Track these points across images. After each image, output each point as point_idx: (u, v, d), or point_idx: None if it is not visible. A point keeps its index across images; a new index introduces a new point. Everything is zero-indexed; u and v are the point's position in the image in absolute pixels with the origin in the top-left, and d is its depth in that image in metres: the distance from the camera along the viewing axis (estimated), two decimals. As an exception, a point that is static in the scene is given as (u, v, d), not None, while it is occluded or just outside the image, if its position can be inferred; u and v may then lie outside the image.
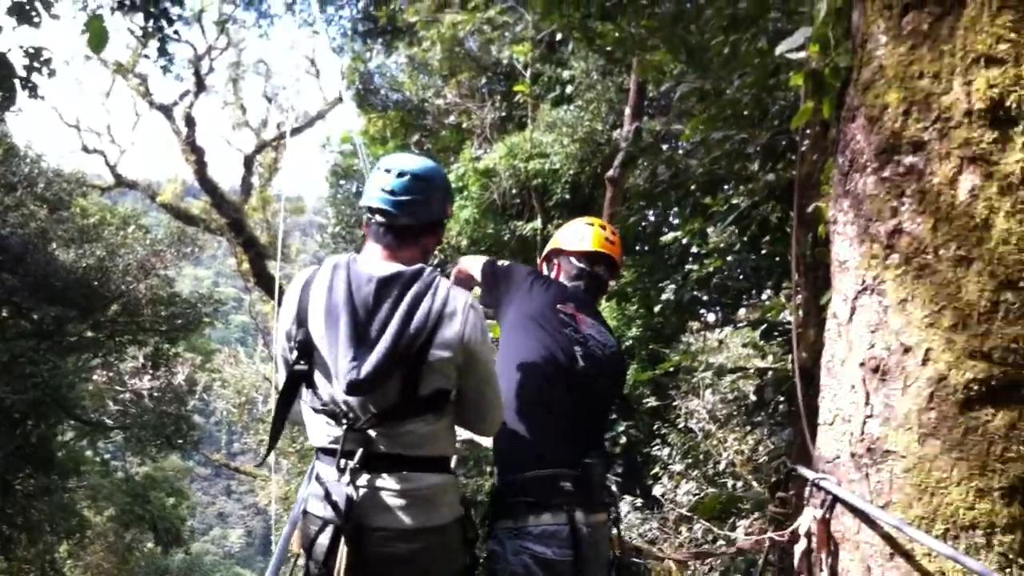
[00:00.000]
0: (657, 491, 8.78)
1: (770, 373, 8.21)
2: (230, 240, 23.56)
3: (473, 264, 4.11)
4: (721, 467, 8.55)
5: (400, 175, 3.26)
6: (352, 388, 2.97)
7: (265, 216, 23.60)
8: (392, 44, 15.26)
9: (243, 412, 26.48)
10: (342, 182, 15.05)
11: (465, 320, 3.12)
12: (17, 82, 6.24)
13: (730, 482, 8.50)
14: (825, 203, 3.95)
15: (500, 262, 4.00)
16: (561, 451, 3.56)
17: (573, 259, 4.04)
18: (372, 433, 3.06)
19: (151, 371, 23.53)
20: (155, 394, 23.42)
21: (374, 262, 3.23)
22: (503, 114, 12.77)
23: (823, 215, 4.05)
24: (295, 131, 23.85)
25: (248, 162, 24.40)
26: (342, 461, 3.05)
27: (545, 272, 4.14)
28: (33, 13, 5.92)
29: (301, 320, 3.16)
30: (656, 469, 9.12)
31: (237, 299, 41.26)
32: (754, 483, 8.26)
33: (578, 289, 3.99)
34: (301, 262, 19.74)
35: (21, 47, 6.22)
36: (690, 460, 8.87)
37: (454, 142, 13.19)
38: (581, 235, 4.08)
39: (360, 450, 3.06)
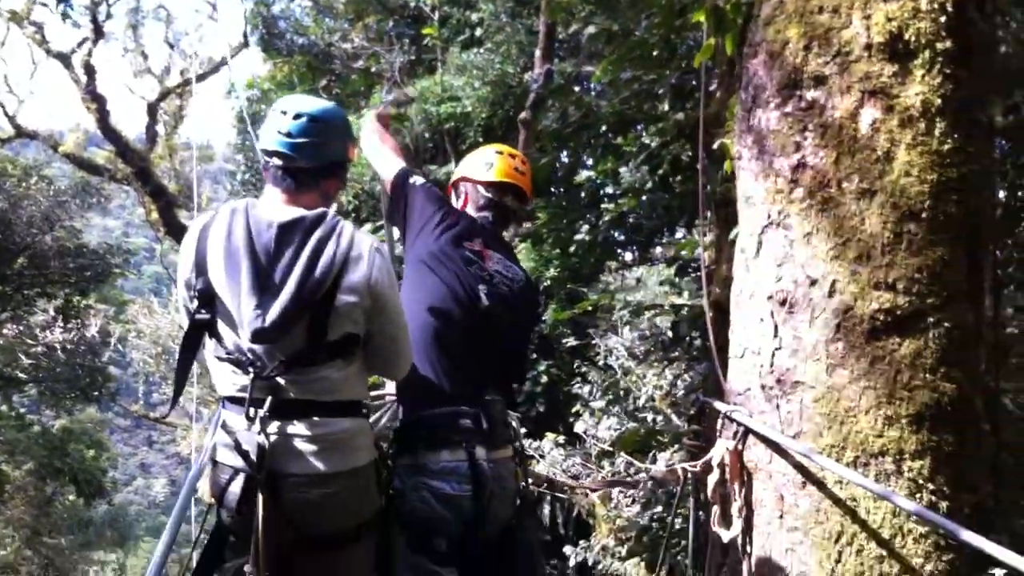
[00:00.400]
0: (579, 428, 8.85)
1: (685, 309, 8.30)
2: (137, 189, 23.02)
3: (388, 157, 3.98)
4: (641, 402, 8.61)
5: (297, 116, 3.17)
6: (257, 336, 2.92)
7: (173, 164, 23.11)
8: (296, -13, 15.04)
9: (160, 362, 26.12)
10: (251, 128, 14.80)
11: (371, 263, 3.07)
12: None
13: (650, 416, 8.58)
14: (730, 140, 3.98)
15: (413, 179, 3.81)
16: (461, 389, 3.52)
17: (481, 188, 3.92)
18: (281, 380, 3.01)
19: (62, 324, 22.99)
20: (68, 347, 22.90)
21: (274, 207, 3.15)
22: (412, 58, 12.64)
23: (729, 152, 4.07)
24: (199, 77, 23.38)
25: (152, 110, 23.80)
26: (251, 410, 2.99)
27: (453, 200, 4.02)
28: None
29: (200, 268, 3.08)
30: (577, 407, 9.19)
31: (148, 249, 40.51)
32: (673, 417, 8.34)
33: (486, 220, 3.89)
34: (213, 209, 19.43)
35: None
36: (610, 397, 8.94)
37: (363, 87, 13.04)
38: (489, 163, 3.96)
39: (269, 398, 3.00)
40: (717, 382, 3.53)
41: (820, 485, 2.73)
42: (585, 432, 8.75)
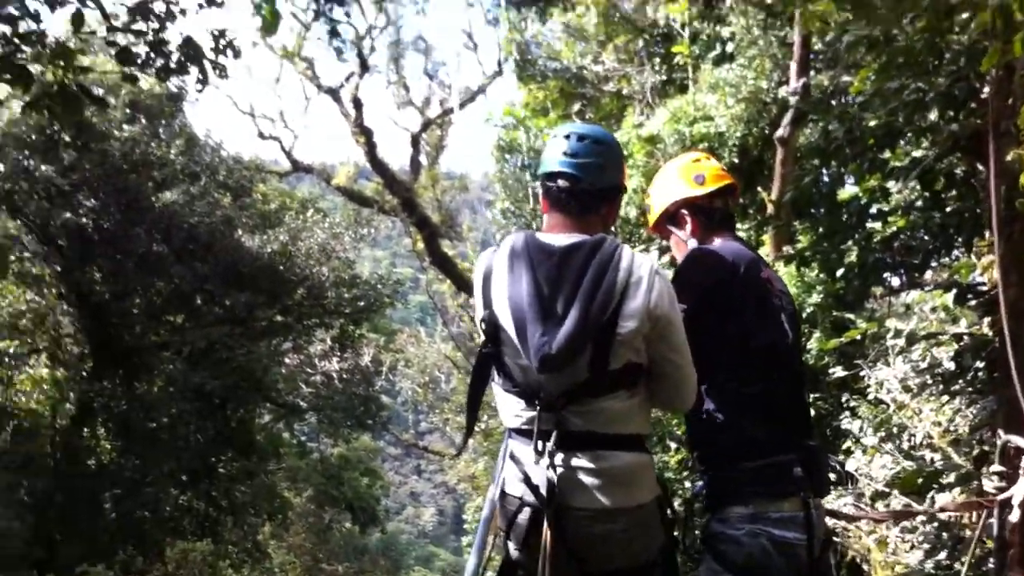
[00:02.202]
0: (850, 466, 8.40)
1: (967, 338, 7.67)
2: (403, 220, 23.86)
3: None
4: (917, 440, 8.09)
5: (580, 139, 3.23)
6: (544, 364, 2.90)
7: (435, 194, 23.75)
8: (546, 11, 15.00)
9: (427, 391, 26.85)
10: (507, 156, 14.90)
11: (650, 287, 3.00)
12: (207, 63, 6.35)
13: (927, 455, 8.03)
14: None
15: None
16: (782, 435, 3.38)
17: (703, 204, 3.71)
18: (566, 412, 3.00)
19: (339, 353, 24.09)
20: (344, 376, 24.04)
21: (556, 234, 3.16)
22: (663, 77, 12.37)
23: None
24: (459, 107, 23.91)
25: (415, 141, 24.59)
26: (539, 443, 3.01)
27: (674, 232, 3.79)
28: None
29: (486, 301, 3.15)
30: (847, 443, 8.71)
31: (414, 279, 41.89)
32: (954, 455, 7.75)
33: (731, 237, 3.68)
34: (473, 239, 19.82)
35: (207, 30, 6.33)
36: (883, 433, 8.41)
37: (615, 109, 12.87)
38: (696, 175, 3.74)
39: (555, 431, 3.00)
40: (1010, 416, 3.18)
41: None
42: (857, 471, 8.25)
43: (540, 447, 3.02)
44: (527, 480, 3.04)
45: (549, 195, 3.27)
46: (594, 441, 3.03)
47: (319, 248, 21.19)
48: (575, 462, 3.01)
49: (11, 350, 18.68)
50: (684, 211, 3.74)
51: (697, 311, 3.33)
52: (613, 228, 3.64)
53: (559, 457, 3.00)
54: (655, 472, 3.24)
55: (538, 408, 3.03)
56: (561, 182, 3.20)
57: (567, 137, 3.25)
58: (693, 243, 3.67)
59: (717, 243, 3.62)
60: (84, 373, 19.14)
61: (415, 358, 27.42)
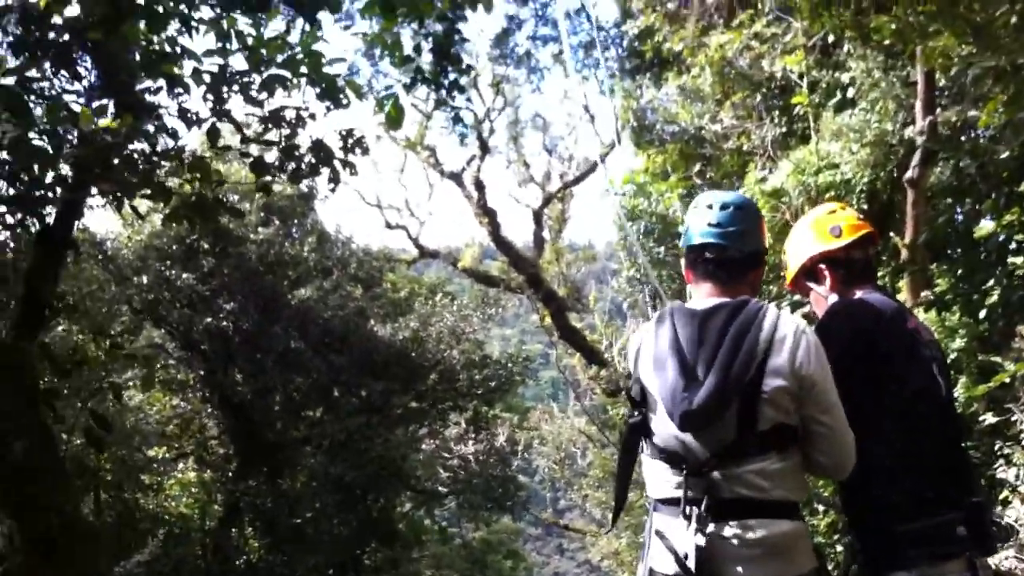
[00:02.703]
0: (1009, 517, 8.07)
1: None
2: (530, 297, 24.02)
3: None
4: (1078, 486, 7.74)
5: (723, 207, 3.28)
6: (685, 420, 2.92)
7: (560, 268, 23.91)
8: (661, 76, 15.10)
9: (563, 468, 26.69)
10: (630, 223, 14.93)
11: (796, 345, 2.98)
12: (337, 163, 6.56)
13: (1090, 501, 7.67)
14: None
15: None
16: (947, 491, 3.26)
17: (844, 256, 3.66)
18: (714, 476, 2.96)
19: (473, 435, 24.19)
20: (480, 457, 24.04)
21: (701, 300, 3.22)
22: (783, 130, 12.27)
23: None
24: (577, 179, 24.11)
25: (537, 217, 24.81)
26: (687, 508, 2.96)
27: (813, 288, 3.76)
28: (342, 96, 6.20)
29: (634, 372, 3.21)
30: (1004, 493, 8.37)
31: (543, 354, 41.95)
32: (1124, 502, 7.40)
33: (875, 290, 3.62)
34: (600, 310, 19.82)
35: (335, 131, 6.56)
36: (1038, 482, 8.08)
37: (736, 166, 12.80)
38: (833, 227, 3.69)
39: (704, 497, 2.95)
40: None
41: None
42: (1016, 521, 7.91)
43: (688, 512, 2.96)
44: (674, 553, 2.97)
45: (695, 266, 3.32)
46: (746, 509, 2.97)
47: (449, 331, 21.45)
48: (727, 532, 2.95)
49: (160, 456, 19.17)
50: (822, 265, 3.72)
51: (844, 364, 3.24)
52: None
53: (710, 526, 2.94)
54: (809, 539, 3.16)
55: (685, 473, 3.01)
56: (708, 253, 3.26)
57: (709, 207, 3.31)
58: (834, 297, 3.63)
59: (858, 295, 3.58)
60: (230, 473, 19.54)
61: (549, 435, 27.32)
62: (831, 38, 10.66)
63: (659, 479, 3.12)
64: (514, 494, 23.79)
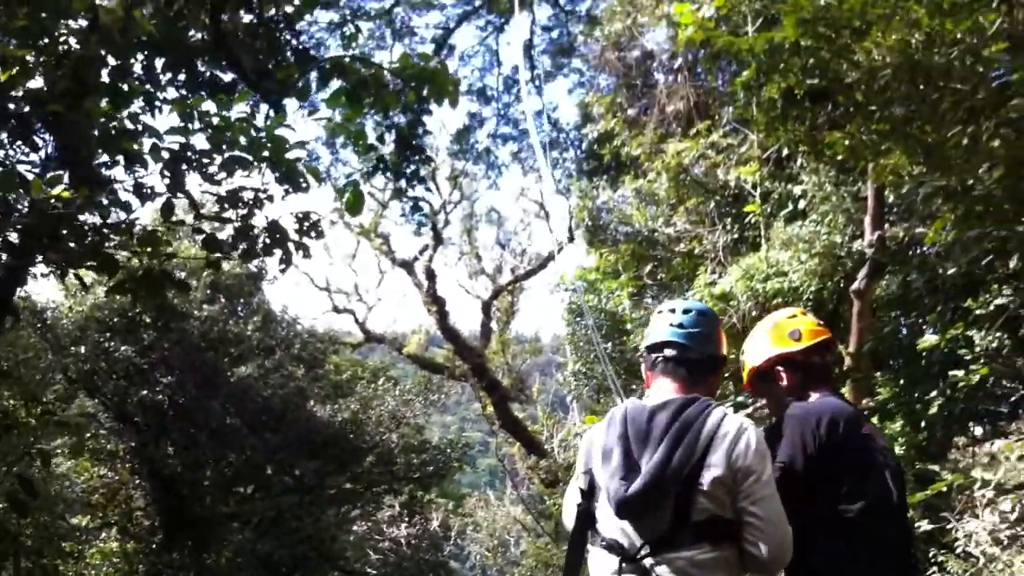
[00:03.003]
0: (943, 623, 8.08)
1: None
2: (473, 385, 24.11)
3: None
4: (1011, 593, 7.78)
5: (686, 311, 3.45)
6: (622, 507, 3.01)
7: (505, 359, 24.03)
8: (617, 179, 15.33)
9: (496, 555, 26.50)
10: (579, 320, 15.02)
11: (736, 440, 3.05)
12: (291, 245, 6.49)
13: (1023, 609, 7.71)
14: None
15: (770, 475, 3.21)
16: None
17: (802, 360, 3.68)
18: (647, 563, 3.00)
19: (407, 519, 24.03)
20: (412, 541, 23.92)
21: (655, 397, 3.31)
22: (735, 236, 12.48)
23: None
24: (529, 273, 24.32)
25: (486, 308, 25.00)
26: None
27: (769, 389, 3.79)
28: (301, 181, 6.16)
29: (587, 463, 3.32)
30: (937, 601, 8.39)
31: (483, 442, 41.71)
32: (1053, 609, 7.44)
33: (831, 393, 3.64)
34: (542, 401, 19.91)
35: (291, 213, 6.48)
36: (974, 588, 8.11)
37: (687, 269, 12.96)
38: (793, 331, 3.72)
39: None
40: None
41: None
42: (950, 630, 7.93)
43: None
44: None
45: (655, 365, 3.41)
46: None
47: (389, 415, 21.38)
48: None
49: (83, 525, 18.71)
50: (780, 368, 3.72)
51: (797, 469, 3.30)
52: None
53: None
54: None
55: (620, 560, 3.06)
56: (668, 351, 3.38)
57: (672, 311, 3.47)
58: (787, 400, 3.63)
59: (814, 398, 3.58)
60: (154, 545, 19.04)
61: (484, 521, 27.24)
62: (785, 151, 10.88)
63: (599, 567, 3.17)
64: (444, 578, 23.45)
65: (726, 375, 10.67)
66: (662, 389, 3.33)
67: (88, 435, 17.34)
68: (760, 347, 3.82)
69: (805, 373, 3.68)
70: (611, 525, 3.13)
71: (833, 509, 3.31)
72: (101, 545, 19.30)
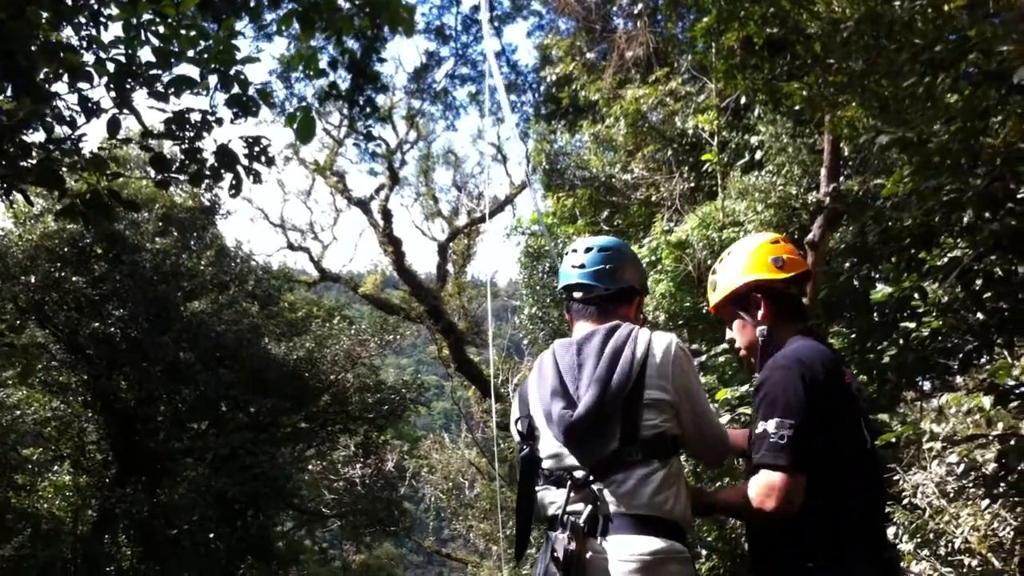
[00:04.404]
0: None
1: (1014, 440, 7.53)
2: (429, 327, 24.04)
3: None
4: (956, 545, 7.87)
5: (587, 250, 3.50)
6: (568, 433, 3.04)
7: (461, 302, 24.02)
8: (576, 124, 15.27)
9: (451, 497, 26.65)
10: (535, 264, 14.98)
11: (669, 359, 3.11)
12: (241, 170, 6.37)
13: (966, 560, 7.81)
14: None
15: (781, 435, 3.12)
16: (864, 548, 3.15)
17: (782, 289, 3.47)
18: (597, 488, 3.02)
19: (362, 459, 24.11)
20: (367, 481, 24.07)
21: (577, 333, 3.38)
22: (692, 185, 12.49)
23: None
24: (485, 217, 24.21)
25: (442, 250, 24.94)
26: (564, 518, 3.01)
27: (742, 316, 3.51)
28: (251, 104, 6.03)
29: (523, 408, 3.36)
30: (884, 551, 8.48)
31: (438, 385, 41.94)
32: (994, 560, 7.55)
33: (807, 332, 3.44)
34: (499, 345, 19.88)
35: (241, 137, 6.33)
36: (919, 539, 8.20)
37: (643, 216, 12.94)
38: (780, 258, 3.47)
39: (584, 509, 3.01)
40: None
41: None
42: (895, 579, 8.02)
43: (565, 520, 3.01)
44: (557, 561, 2.98)
45: (570, 308, 3.52)
46: (628, 524, 2.99)
47: (344, 355, 21.25)
48: (606, 545, 2.97)
49: (35, 457, 18.61)
50: (758, 294, 3.47)
51: (807, 423, 3.08)
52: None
53: (589, 540, 2.98)
54: (692, 569, 3.10)
55: (569, 486, 3.06)
56: (576, 293, 3.48)
57: (574, 251, 3.54)
58: (762, 330, 3.42)
59: (795, 344, 3.34)
60: (107, 480, 19.00)
61: (439, 464, 27.32)
62: (743, 101, 10.85)
63: (548, 502, 3.16)
64: (398, 519, 23.65)
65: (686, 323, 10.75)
66: (583, 329, 3.39)
67: (39, 366, 17.25)
68: (737, 269, 3.54)
69: (784, 304, 3.48)
70: (555, 457, 3.14)
71: (821, 461, 3.11)
72: (54, 478, 19.23)
